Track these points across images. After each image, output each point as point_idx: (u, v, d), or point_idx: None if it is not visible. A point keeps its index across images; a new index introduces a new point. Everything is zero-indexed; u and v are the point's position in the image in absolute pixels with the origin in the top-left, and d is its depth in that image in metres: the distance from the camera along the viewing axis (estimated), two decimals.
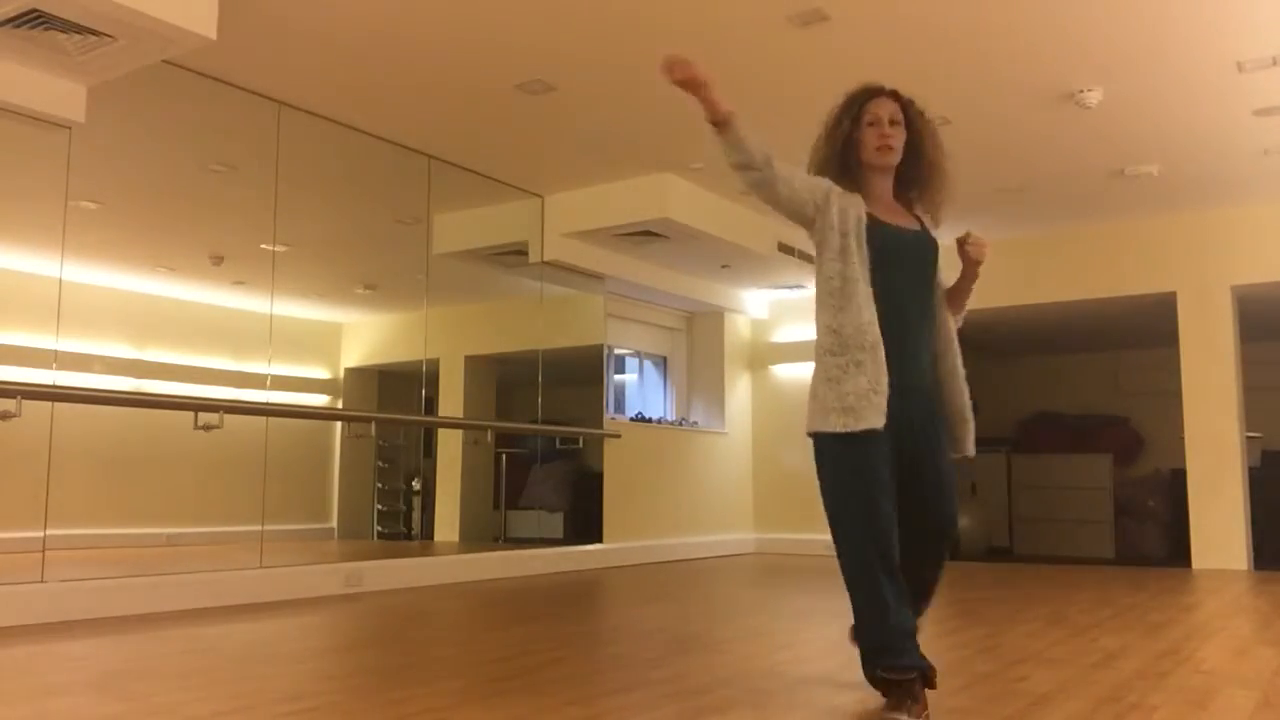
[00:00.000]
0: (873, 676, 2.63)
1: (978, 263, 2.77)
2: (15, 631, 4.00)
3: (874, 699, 2.75)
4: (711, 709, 2.65)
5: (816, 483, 2.67)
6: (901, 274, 2.70)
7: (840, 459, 2.58)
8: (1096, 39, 4.68)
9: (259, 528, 5.53)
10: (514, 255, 7.33)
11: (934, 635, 4.03)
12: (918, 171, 2.82)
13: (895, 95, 2.81)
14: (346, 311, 7.89)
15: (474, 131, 5.95)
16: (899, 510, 2.58)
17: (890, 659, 2.52)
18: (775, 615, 4.78)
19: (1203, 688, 2.93)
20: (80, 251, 5.10)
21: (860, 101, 2.78)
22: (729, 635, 4.02)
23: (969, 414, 2.77)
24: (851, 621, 2.70)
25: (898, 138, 2.75)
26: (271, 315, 5.66)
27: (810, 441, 2.68)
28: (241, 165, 5.93)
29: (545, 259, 7.24)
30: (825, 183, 2.74)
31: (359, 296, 7.79)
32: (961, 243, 2.77)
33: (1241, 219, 7.33)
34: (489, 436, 7.25)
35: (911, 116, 2.80)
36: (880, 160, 2.74)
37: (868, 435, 2.53)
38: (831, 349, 2.60)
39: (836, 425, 2.55)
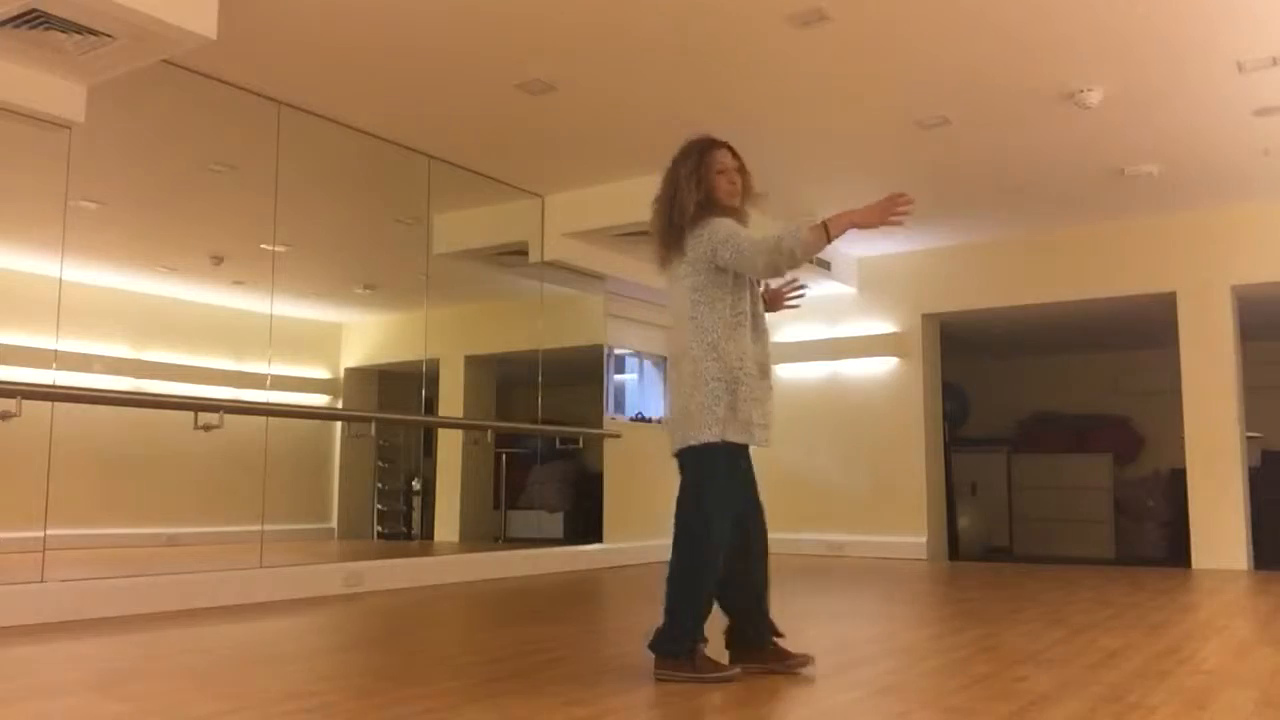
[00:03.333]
0: (685, 650, 2.99)
1: (781, 309, 3.43)
2: (15, 631, 4.00)
3: (874, 698, 2.76)
4: (712, 709, 2.65)
5: (696, 483, 3.11)
6: None
7: (735, 469, 3.08)
8: (1096, 39, 4.68)
9: (259, 528, 5.53)
10: (514, 255, 7.33)
11: (934, 635, 4.04)
12: (743, 209, 3.28)
13: (728, 146, 3.26)
14: (346, 311, 7.89)
15: (474, 131, 5.95)
16: None
17: (700, 634, 3.02)
18: (774, 615, 4.77)
19: (1203, 688, 2.93)
20: (80, 251, 5.10)
21: (710, 152, 3.20)
22: None
23: None
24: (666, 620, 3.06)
25: (742, 183, 3.23)
26: (271, 315, 5.66)
27: (691, 449, 3.08)
28: (241, 165, 5.93)
29: (545, 259, 7.24)
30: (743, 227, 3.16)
31: (359, 296, 7.79)
32: (782, 295, 3.40)
33: (1241, 219, 7.33)
34: (489, 436, 7.26)
35: (741, 164, 3.25)
36: (733, 202, 3.20)
37: (745, 451, 3.09)
38: (754, 373, 3.05)
39: (761, 441, 3.05)
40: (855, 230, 2.96)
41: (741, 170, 3.22)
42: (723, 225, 3.08)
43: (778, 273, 3.02)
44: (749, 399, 3.00)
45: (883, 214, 2.85)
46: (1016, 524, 10.12)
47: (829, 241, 2.93)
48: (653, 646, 3.04)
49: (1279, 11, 4.41)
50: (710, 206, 3.14)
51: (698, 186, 3.14)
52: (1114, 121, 5.68)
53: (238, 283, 6.53)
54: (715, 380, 3.02)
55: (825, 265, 8.30)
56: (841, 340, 8.82)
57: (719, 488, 3.06)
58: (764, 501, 3.24)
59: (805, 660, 3.08)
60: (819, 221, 2.95)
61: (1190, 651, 3.58)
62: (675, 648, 2.99)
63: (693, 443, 3.04)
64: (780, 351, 9.29)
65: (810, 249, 2.92)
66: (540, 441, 8.04)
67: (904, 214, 2.85)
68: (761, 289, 3.31)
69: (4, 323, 5.41)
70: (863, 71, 5.03)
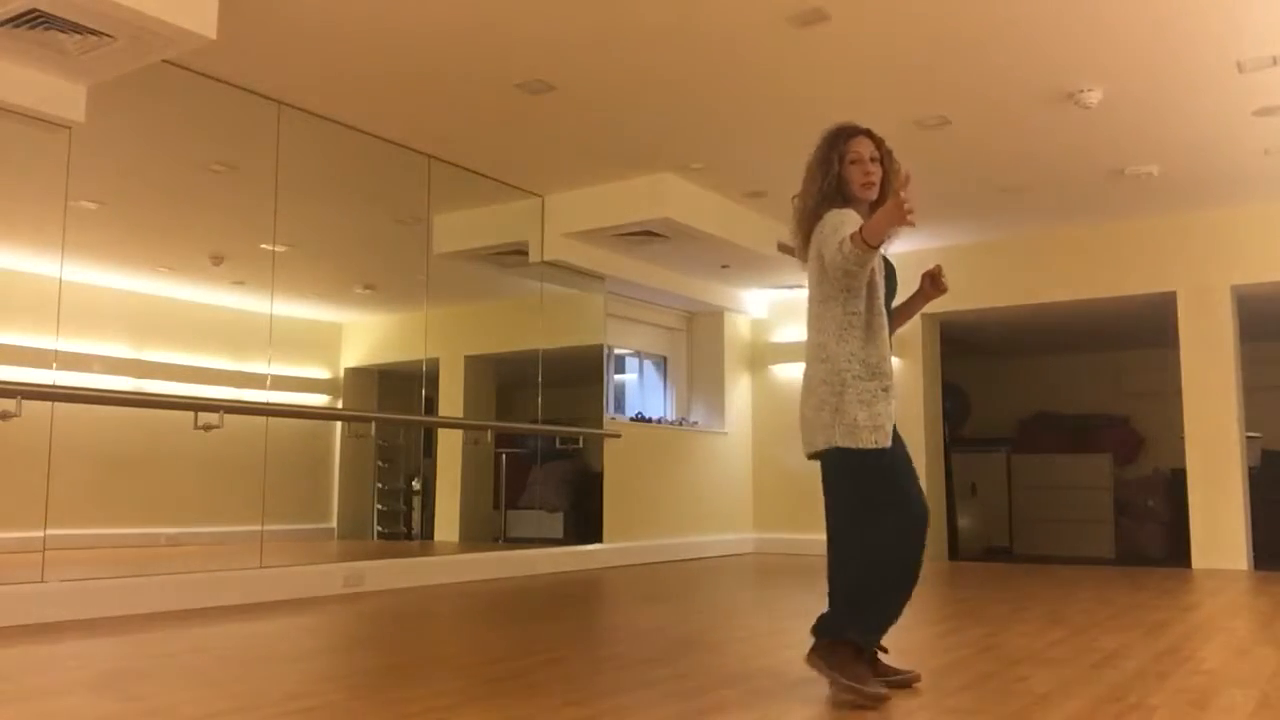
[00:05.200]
0: (841, 636, 2.86)
1: (942, 294, 3.14)
2: (15, 631, 4.00)
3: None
4: (711, 709, 2.65)
5: (828, 489, 2.98)
6: (888, 302, 3.05)
7: (870, 472, 2.88)
8: (1096, 39, 4.68)
9: (259, 528, 5.53)
10: (514, 255, 7.32)
11: (934, 635, 4.04)
12: (884, 201, 2.99)
13: (870, 134, 3.05)
14: (346, 311, 7.89)
15: (474, 131, 5.95)
16: None
17: (876, 638, 2.92)
18: (775, 615, 4.78)
19: (1203, 688, 2.93)
20: (80, 251, 5.10)
21: (842, 140, 3.03)
22: (729, 635, 4.02)
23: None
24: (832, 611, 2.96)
25: (878, 174, 3.00)
26: (271, 315, 5.66)
27: (829, 454, 2.93)
28: (241, 165, 5.93)
29: (545, 259, 7.24)
30: (859, 220, 2.90)
31: (359, 296, 7.79)
32: (935, 275, 3.11)
33: (1241, 219, 7.33)
34: (489, 436, 7.25)
35: (883, 154, 3.04)
36: (866, 195, 2.99)
37: (887, 452, 2.88)
38: (861, 374, 2.87)
39: (869, 443, 2.84)
40: (894, 229, 2.72)
41: (883, 160, 3.01)
42: (830, 218, 2.90)
43: (842, 274, 2.81)
44: (855, 401, 2.84)
45: (897, 210, 2.63)
46: (1016, 524, 10.11)
47: (873, 248, 2.71)
48: (814, 629, 2.93)
49: (1279, 11, 4.41)
50: (838, 199, 2.97)
51: (824, 177, 2.98)
52: (1114, 121, 5.68)
53: (238, 283, 6.53)
54: (823, 385, 2.90)
55: None
56: None
57: (850, 495, 2.92)
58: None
59: (913, 677, 2.97)
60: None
61: (1190, 651, 3.58)
62: (825, 628, 2.90)
63: (811, 450, 2.96)
64: (781, 351, 9.31)
65: (856, 258, 2.72)
66: (540, 441, 8.04)
67: (909, 210, 2.64)
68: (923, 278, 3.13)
69: (4, 323, 5.41)
70: (863, 71, 5.03)
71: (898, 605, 2.93)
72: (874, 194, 2.99)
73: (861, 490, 2.90)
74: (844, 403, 2.85)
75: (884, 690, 2.76)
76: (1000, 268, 8.23)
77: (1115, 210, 7.44)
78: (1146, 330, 9.12)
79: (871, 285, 2.91)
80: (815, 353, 2.96)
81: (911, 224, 2.68)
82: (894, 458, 2.90)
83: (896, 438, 2.95)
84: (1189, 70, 5.00)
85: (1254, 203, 7.22)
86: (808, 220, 3.00)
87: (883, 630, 2.92)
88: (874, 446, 2.83)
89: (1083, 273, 7.86)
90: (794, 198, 3.08)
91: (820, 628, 2.91)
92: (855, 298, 2.90)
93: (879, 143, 3.04)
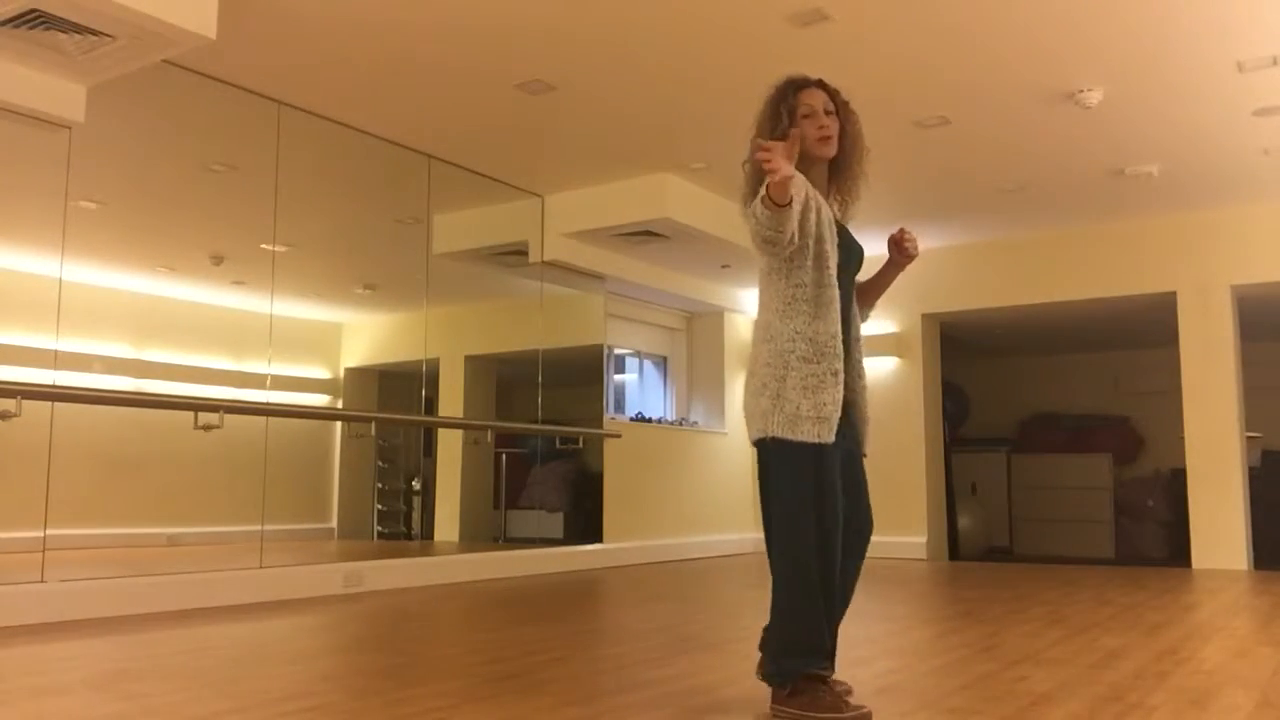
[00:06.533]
0: (788, 674, 2.56)
1: (912, 259, 2.81)
2: (15, 631, 4.00)
3: (874, 698, 2.76)
4: (711, 709, 2.64)
5: (764, 486, 2.68)
6: (846, 274, 2.73)
7: (806, 468, 2.56)
8: (1096, 39, 4.68)
9: (259, 528, 5.52)
10: (514, 255, 7.33)
11: (934, 635, 4.04)
12: (845, 163, 2.77)
13: (823, 85, 2.76)
14: (346, 311, 7.89)
15: (474, 131, 5.95)
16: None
17: (819, 659, 2.57)
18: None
19: (1203, 688, 2.93)
20: (80, 251, 5.10)
21: (792, 93, 2.72)
22: (729, 635, 4.02)
23: (869, 413, 2.79)
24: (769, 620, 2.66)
25: (835, 128, 2.71)
26: (271, 315, 5.66)
27: (758, 443, 2.66)
28: (241, 165, 5.93)
29: (545, 259, 7.25)
30: (808, 189, 2.62)
31: (359, 296, 7.78)
32: (900, 239, 2.78)
33: (1241, 219, 7.33)
34: (489, 436, 7.25)
35: (839, 106, 2.75)
36: (823, 151, 2.70)
37: (831, 446, 2.57)
38: (807, 355, 2.58)
39: (810, 435, 2.54)
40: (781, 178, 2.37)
41: (839, 113, 2.71)
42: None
43: (762, 242, 2.51)
44: (797, 386, 2.55)
45: (758, 166, 2.43)
46: (1016, 524, 10.13)
47: (781, 207, 2.40)
48: (766, 677, 2.65)
49: (1279, 11, 4.41)
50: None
51: (771, 133, 2.65)
52: (1114, 121, 5.68)
53: (238, 283, 6.53)
54: (765, 367, 2.60)
55: None
56: None
57: (784, 491, 2.59)
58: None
59: (849, 691, 2.73)
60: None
61: (1190, 651, 3.58)
62: (772, 675, 2.60)
63: (752, 439, 2.67)
64: None
65: (768, 220, 2.43)
66: (540, 441, 8.04)
67: (764, 158, 2.34)
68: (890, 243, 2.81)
69: (4, 323, 5.41)
70: (863, 71, 5.03)
71: (823, 622, 2.58)
72: (832, 150, 2.70)
73: (800, 489, 2.56)
74: (785, 388, 2.56)
75: (865, 708, 2.53)
76: (1000, 268, 8.24)
77: (1115, 210, 7.44)
78: (1146, 330, 9.13)
79: (820, 255, 2.60)
80: (761, 332, 2.67)
81: (790, 143, 2.46)
82: (835, 458, 2.60)
83: (852, 439, 2.70)
84: (1189, 70, 5.00)
85: (1254, 203, 7.22)
86: (758, 183, 2.59)
87: (820, 651, 2.57)
88: (815, 440, 2.54)
89: (1083, 273, 7.86)
90: (744, 164, 2.72)
91: (770, 674, 2.62)
92: (799, 269, 2.60)
93: (834, 94, 2.74)
